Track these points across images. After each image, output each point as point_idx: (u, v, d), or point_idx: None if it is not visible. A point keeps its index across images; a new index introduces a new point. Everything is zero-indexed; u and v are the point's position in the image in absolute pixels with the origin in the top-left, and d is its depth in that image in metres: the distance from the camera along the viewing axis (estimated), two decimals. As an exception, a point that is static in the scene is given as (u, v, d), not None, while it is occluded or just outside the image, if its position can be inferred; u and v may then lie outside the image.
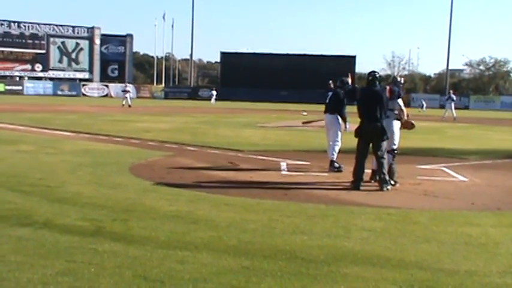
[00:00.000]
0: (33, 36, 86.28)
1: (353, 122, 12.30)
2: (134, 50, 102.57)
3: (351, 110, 12.58)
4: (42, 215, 7.72)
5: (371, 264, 5.91)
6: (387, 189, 10.56)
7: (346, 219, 8.02)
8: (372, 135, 10.77)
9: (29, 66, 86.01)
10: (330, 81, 14.30)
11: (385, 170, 10.69)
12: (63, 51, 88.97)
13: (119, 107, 47.25)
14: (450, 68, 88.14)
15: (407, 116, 11.88)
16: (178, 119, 32.62)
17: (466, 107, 70.97)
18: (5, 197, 8.96)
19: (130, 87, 55.51)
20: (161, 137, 20.08)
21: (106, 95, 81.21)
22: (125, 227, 7.24)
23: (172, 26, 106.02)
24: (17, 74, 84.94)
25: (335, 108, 13.18)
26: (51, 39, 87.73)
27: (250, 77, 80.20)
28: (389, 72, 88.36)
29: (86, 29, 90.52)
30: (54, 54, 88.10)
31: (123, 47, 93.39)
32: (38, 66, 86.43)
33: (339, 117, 13.13)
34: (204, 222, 7.58)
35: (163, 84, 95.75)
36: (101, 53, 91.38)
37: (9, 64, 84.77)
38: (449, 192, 10.71)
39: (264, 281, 5.32)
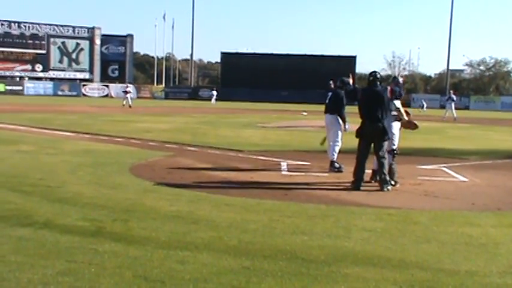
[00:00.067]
0: (34, 36, 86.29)
1: (354, 122, 12.29)
2: (134, 50, 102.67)
3: (352, 110, 12.58)
4: (43, 215, 7.72)
5: (371, 265, 5.91)
6: (388, 190, 10.56)
7: (347, 220, 8.02)
8: (373, 135, 10.77)
9: (29, 67, 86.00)
10: (331, 82, 14.30)
11: (386, 170, 10.69)
12: (63, 52, 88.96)
13: (119, 107, 47.26)
14: (450, 68, 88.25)
15: (409, 115, 11.88)
16: (178, 119, 32.62)
17: (467, 107, 70.95)
18: (5, 197, 8.97)
19: (131, 88, 55.55)
20: (161, 137, 20.08)
21: (106, 95, 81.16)
22: (125, 227, 7.24)
23: (173, 26, 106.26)
24: (17, 74, 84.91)
25: (335, 108, 13.18)
26: (52, 39, 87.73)
27: (250, 77, 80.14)
28: (389, 72, 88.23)
29: (86, 29, 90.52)
30: (54, 55, 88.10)
31: (123, 47, 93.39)
32: (39, 67, 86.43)
33: (339, 118, 13.12)
34: (205, 223, 7.58)
35: (163, 85, 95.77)
36: (101, 53, 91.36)
37: (10, 64, 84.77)
38: (449, 192, 10.70)
39: (265, 281, 5.32)
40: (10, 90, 76.43)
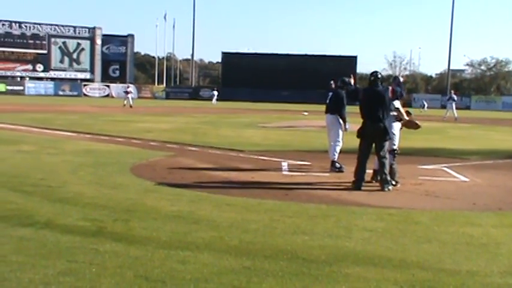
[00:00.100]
0: (35, 36, 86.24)
1: (355, 122, 12.29)
2: (135, 50, 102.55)
3: (353, 110, 12.58)
4: (44, 215, 7.72)
5: (372, 265, 5.91)
6: (388, 190, 10.56)
7: (348, 220, 8.02)
8: (374, 135, 10.77)
9: (30, 67, 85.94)
10: (332, 82, 14.31)
11: (387, 170, 10.69)
12: (64, 52, 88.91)
13: (120, 107, 47.27)
14: (451, 68, 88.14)
15: (410, 115, 11.87)
16: (179, 119, 32.63)
17: (468, 107, 70.89)
18: (6, 197, 8.97)
19: (132, 88, 55.51)
20: (162, 137, 20.09)
21: (107, 95, 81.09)
22: (126, 227, 7.25)
23: (174, 26, 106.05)
24: (18, 74, 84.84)
25: (335, 108, 13.19)
26: (53, 39, 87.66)
27: (251, 77, 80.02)
28: (390, 72, 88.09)
29: (87, 29, 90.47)
30: (55, 55, 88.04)
31: (124, 47, 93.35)
32: (39, 67, 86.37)
33: (340, 118, 13.12)
34: (206, 223, 7.58)
35: (164, 85, 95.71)
36: (102, 53, 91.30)
37: (11, 64, 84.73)
38: (450, 192, 10.70)
39: (265, 281, 5.32)
40: (11, 90, 76.40)
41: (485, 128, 33.38)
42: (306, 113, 40.48)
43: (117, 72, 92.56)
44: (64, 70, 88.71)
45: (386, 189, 10.56)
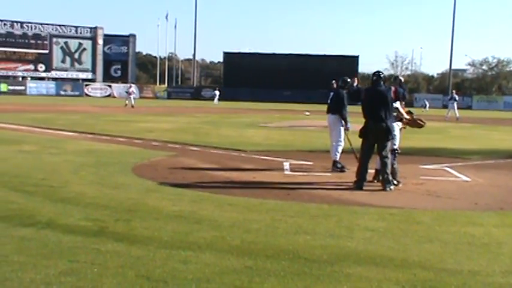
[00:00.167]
0: (36, 36, 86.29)
1: (356, 122, 12.30)
2: (137, 50, 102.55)
3: (355, 110, 12.58)
4: (45, 215, 7.73)
5: (374, 264, 5.91)
6: (390, 189, 10.56)
7: (349, 219, 8.02)
8: (377, 135, 10.76)
9: (31, 67, 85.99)
10: (333, 81, 14.32)
11: (389, 170, 10.68)
12: (66, 51, 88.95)
13: (121, 107, 47.26)
14: (453, 68, 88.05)
15: (411, 115, 11.86)
16: (181, 119, 32.63)
17: (469, 107, 70.88)
18: (7, 197, 8.98)
19: (134, 88, 55.49)
20: (164, 137, 20.10)
21: (109, 95, 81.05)
22: (127, 227, 7.25)
23: (175, 26, 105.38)
24: (19, 74, 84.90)
25: (336, 108, 13.18)
26: (54, 39, 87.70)
27: (253, 77, 80.00)
28: (392, 72, 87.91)
29: (88, 29, 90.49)
30: (57, 54, 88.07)
31: (126, 47, 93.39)
32: (41, 67, 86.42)
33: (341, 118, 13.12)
34: (207, 222, 7.59)
35: (166, 84, 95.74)
36: (104, 53, 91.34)
37: (12, 64, 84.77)
38: (452, 192, 10.70)
39: (267, 281, 5.32)
40: (12, 90, 76.39)
41: (486, 128, 33.36)
42: (307, 113, 40.45)
43: (119, 72, 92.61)
44: (66, 70, 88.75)
45: (388, 189, 10.56)
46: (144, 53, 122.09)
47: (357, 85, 13.32)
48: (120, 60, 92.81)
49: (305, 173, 12.63)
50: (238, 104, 62.79)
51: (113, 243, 6.42)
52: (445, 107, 52.74)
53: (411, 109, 12.93)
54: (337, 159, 12.93)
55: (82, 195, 9.20)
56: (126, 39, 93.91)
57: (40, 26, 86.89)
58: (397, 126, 11.46)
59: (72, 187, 9.96)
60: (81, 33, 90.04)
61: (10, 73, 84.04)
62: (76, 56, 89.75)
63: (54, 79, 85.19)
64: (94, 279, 5.24)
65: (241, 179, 11.76)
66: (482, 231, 7.52)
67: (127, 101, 49.52)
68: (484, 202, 9.76)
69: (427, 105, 62.98)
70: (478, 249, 6.69)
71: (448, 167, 13.97)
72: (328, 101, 13.50)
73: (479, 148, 19.83)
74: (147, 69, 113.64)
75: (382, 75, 11.14)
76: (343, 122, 13.11)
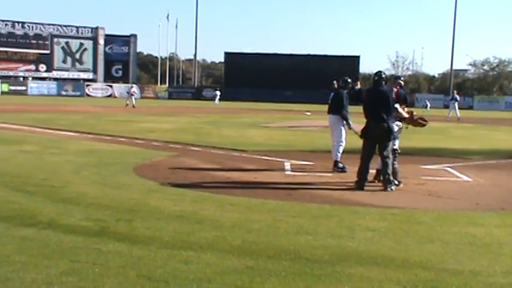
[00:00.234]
0: (37, 36, 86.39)
1: (358, 122, 12.31)
2: (138, 50, 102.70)
3: (356, 110, 12.57)
4: (47, 215, 7.73)
5: (375, 265, 5.91)
6: (391, 190, 10.56)
7: (351, 220, 8.02)
8: (378, 135, 10.75)
9: (33, 67, 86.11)
10: (334, 81, 14.32)
11: (390, 170, 10.68)
12: (67, 52, 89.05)
13: (122, 107, 47.26)
14: (454, 68, 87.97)
15: (411, 113, 11.84)
16: (182, 119, 32.64)
17: (470, 107, 70.91)
18: (9, 197, 8.99)
19: (135, 88, 55.41)
20: (165, 137, 20.11)
21: (110, 95, 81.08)
22: (129, 227, 7.25)
23: (176, 26, 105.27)
24: (21, 74, 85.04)
25: (337, 108, 13.18)
26: (55, 39, 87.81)
27: (254, 77, 80.00)
28: (393, 72, 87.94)
29: (89, 29, 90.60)
30: (58, 55, 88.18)
31: (127, 47, 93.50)
32: (42, 67, 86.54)
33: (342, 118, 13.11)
34: (209, 222, 7.59)
35: (167, 85, 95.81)
36: (105, 53, 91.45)
37: (13, 64, 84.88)
38: (453, 192, 10.70)
39: (268, 281, 5.32)
40: (14, 90, 76.49)
41: (488, 128, 33.36)
42: (308, 113, 40.44)
43: (120, 72, 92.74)
44: (67, 70, 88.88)
45: (389, 189, 10.56)
46: (145, 53, 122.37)
47: (359, 88, 13.31)
48: (121, 60, 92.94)
49: (306, 173, 12.63)
50: (239, 104, 62.81)
51: (114, 243, 6.42)
52: (446, 107, 52.74)
53: (411, 109, 12.91)
54: (338, 160, 12.93)
55: (83, 195, 9.20)
56: (127, 40, 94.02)
57: (41, 26, 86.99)
58: (396, 126, 11.45)
59: (73, 187, 9.96)
60: (82, 33, 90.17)
61: (11, 73, 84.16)
62: (77, 56, 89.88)
63: (56, 79, 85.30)
64: (95, 279, 5.24)
65: (243, 179, 11.76)
66: (483, 232, 7.52)
67: (128, 101, 49.52)
68: (485, 202, 9.76)
69: (428, 105, 62.93)
70: (479, 249, 6.69)
71: (449, 167, 13.97)
72: (329, 101, 13.49)
73: (481, 148, 19.83)
74: (148, 69, 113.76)
75: (383, 76, 11.14)
76: (344, 122, 13.11)
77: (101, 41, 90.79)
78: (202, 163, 13.93)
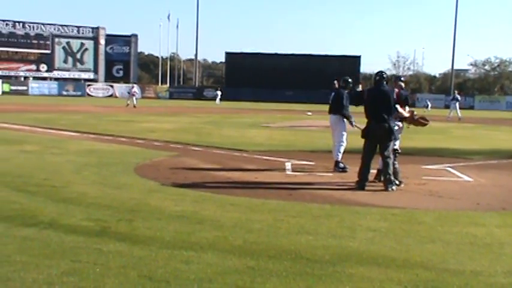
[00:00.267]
0: (38, 36, 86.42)
1: (359, 122, 12.30)
2: (139, 50, 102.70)
3: (357, 110, 12.56)
4: (47, 215, 7.73)
5: (376, 265, 5.90)
6: (392, 190, 10.55)
7: (351, 220, 8.02)
8: (379, 135, 10.75)
9: (34, 67, 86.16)
10: (335, 81, 14.32)
11: (391, 171, 10.67)
12: (68, 52, 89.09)
13: (123, 107, 47.27)
14: (455, 68, 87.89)
15: (413, 113, 11.82)
16: (183, 119, 32.64)
17: (471, 107, 70.84)
18: (10, 197, 8.99)
19: (136, 88, 55.38)
20: (166, 137, 20.10)
21: (111, 95, 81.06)
22: (130, 227, 7.25)
23: (177, 26, 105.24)
24: (22, 74, 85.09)
25: (337, 108, 13.17)
26: (56, 39, 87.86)
27: (255, 77, 79.97)
28: (394, 72, 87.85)
29: (90, 29, 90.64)
30: (59, 55, 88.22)
31: (128, 47, 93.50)
32: (43, 67, 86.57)
33: (343, 117, 13.10)
34: (209, 222, 7.59)
35: (168, 84, 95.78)
36: (106, 53, 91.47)
37: (14, 64, 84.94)
38: (454, 192, 10.69)
39: (269, 281, 5.32)
40: (15, 90, 76.48)
41: (489, 128, 33.34)
42: (309, 113, 40.45)
43: (121, 72, 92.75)
44: (68, 70, 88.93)
45: (390, 189, 10.55)
46: (146, 53, 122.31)
47: (360, 90, 13.30)
48: (122, 60, 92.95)
49: (307, 173, 12.63)
50: (240, 104, 62.80)
51: (115, 243, 6.42)
52: (447, 107, 52.72)
53: (412, 109, 12.90)
54: (339, 160, 12.92)
55: (84, 195, 9.20)
56: (128, 39, 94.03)
57: (42, 26, 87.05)
58: (396, 126, 11.44)
59: (74, 187, 9.97)
60: (83, 33, 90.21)
61: (12, 73, 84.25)
62: (78, 56, 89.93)
63: (56, 79, 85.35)
64: (96, 279, 5.24)
65: (243, 179, 11.76)
66: (484, 232, 7.52)
67: (128, 101, 49.54)
68: (486, 202, 9.76)
69: (429, 105, 62.92)
70: (480, 249, 6.69)
71: (450, 167, 13.96)
72: (330, 101, 13.50)
73: (482, 148, 19.82)
74: (149, 69, 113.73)
75: (385, 76, 11.13)
76: (345, 120, 13.10)
77: (102, 41, 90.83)
78: (203, 163, 13.93)
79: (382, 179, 10.96)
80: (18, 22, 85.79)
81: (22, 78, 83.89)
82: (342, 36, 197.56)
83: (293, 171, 12.91)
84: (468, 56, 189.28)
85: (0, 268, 5.51)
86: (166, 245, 6.39)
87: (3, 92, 74.26)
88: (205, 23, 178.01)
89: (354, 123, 13.04)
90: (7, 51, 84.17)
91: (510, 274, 5.81)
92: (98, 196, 9.19)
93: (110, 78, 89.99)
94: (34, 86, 79.64)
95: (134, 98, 49.67)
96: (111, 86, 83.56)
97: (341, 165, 12.83)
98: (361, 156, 10.97)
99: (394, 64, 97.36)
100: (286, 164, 13.76)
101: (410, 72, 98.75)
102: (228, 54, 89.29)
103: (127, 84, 76.65)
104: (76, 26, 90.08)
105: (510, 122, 41.79)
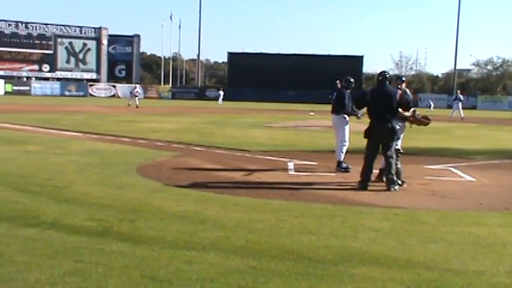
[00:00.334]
0: (41, 36, 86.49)
1: (362, 122, 12.29)
2: (141, 50, 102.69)
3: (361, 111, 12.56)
4: (50, 215, 7.74)
5: (378, 265, 5.90)
6: (395, 190, 10.54)
7: (354, 220, 8.01)
8: (382, 135, 10.74)
9: (36, 67, 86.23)
10: (337, 81, 14.31)
11: (393, 170, 10.66)
12: (70, 52, 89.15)
13: (126, 107, 47.31)
14: (458, 68, 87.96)
15: (414, 112, 11.79)
16: (185, 119, 32.65)
17: (474, 107, 70.75)
18: (12, 197, 8.99)
19: (138, 88, 55.41)
20: (168, 137, 20.11)
21: (113, 95, 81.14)
22: (132, 227, 7.25)
23: (180, 26, 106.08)
24: (24, 74, 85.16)
25: (339, 108, 13.17)
26: (59, 39, 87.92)
27: (257, 77, 79.99)
28: (397, 72, 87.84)
29: (93, 30, 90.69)
30: (61, 55, 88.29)
31: (130, 47, 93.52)
32: (46, 67, 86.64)
33: (346, 117, 13.09)
34: (212, 223, 7.58)
35: (170, 85, 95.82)
36: (108, 53, 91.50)
37: (17, 64, 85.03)
38: (456, 192, 10.68)
39: (272, 281, 5.32)
40: (17, 90, 76.69)
41: (491, 128, 33.30)
42: (312, 113, 40.48)
43: (123, 72, 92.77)
44: (70, 70, 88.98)
45: (392, 189, 10.54)
46: (149, 53, 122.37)
47: (363, 91, 13.26)
48: (125, 60, 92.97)
49: (309, 173, 12.62)
50: (243, 104, 62.80)
51: (117, 243, 6.42)
52: (450, 107, 52.66)
53: (414, 108, 12.88)
54: (342, 160, 12.92)
55: (87, 196, 9.21)
56: (131, 40, 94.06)
57: (44, 27, 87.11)
58: (397, 126, 11.42)
59: (76, 187, 9.97)
60: (85, 33, 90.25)
61: (15, 73, 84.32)
62: (80, 56, 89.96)
63: (59, 79, 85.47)
64: (99, 280, 5.24)
65: (246, 179, 11.76)
66: (487, 232, 7.51)
67: (130, 101, 49.62)
68: (488, 202, 9.74)
69: (432, 105, 62.95)
70: (483, 249, 6.68)
71: (453, 167, 13.94)
72: (332, 101, 13.50)
73: (484, 148, 19.79)
74: (152, 69, 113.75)
75: (387, 76, 11.11)
76: (348, 119, 13.09)
77: (104, 41, 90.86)
78: (206, 163, 13.93)
79: (384, 179, 10.95)
80: (21, 22, 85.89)
81: (24, 79, 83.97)
82: (344, 36, 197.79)
83: (295, 171, 12.90)
84: (471, 56, 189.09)
85: (3, 268, 5.51)
86: (169, 245, 6.39)
87: (6, 92, 74.44)
88: (208, 23, 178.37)
89: (360, 115, 12.96)
90: (10, 52, 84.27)
91: (513, 274, 5.80)
92: (100, 196, 9.19)
93: (112, 78, 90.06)
94: (36, 86, 79.79)
95: (137, 98, 49.71)
96: (114, 86, 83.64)
97: (343, 165, 12.83)
98: (363, 156, 10.96)
99: (397, 64, 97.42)
100: (289, 164, 13.76)
101: (413, 72, 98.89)
102: (230, 54, 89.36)
103: (129, 85, 76.73)
104: (78, 26, 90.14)
105: (513, 121, 41.74)
